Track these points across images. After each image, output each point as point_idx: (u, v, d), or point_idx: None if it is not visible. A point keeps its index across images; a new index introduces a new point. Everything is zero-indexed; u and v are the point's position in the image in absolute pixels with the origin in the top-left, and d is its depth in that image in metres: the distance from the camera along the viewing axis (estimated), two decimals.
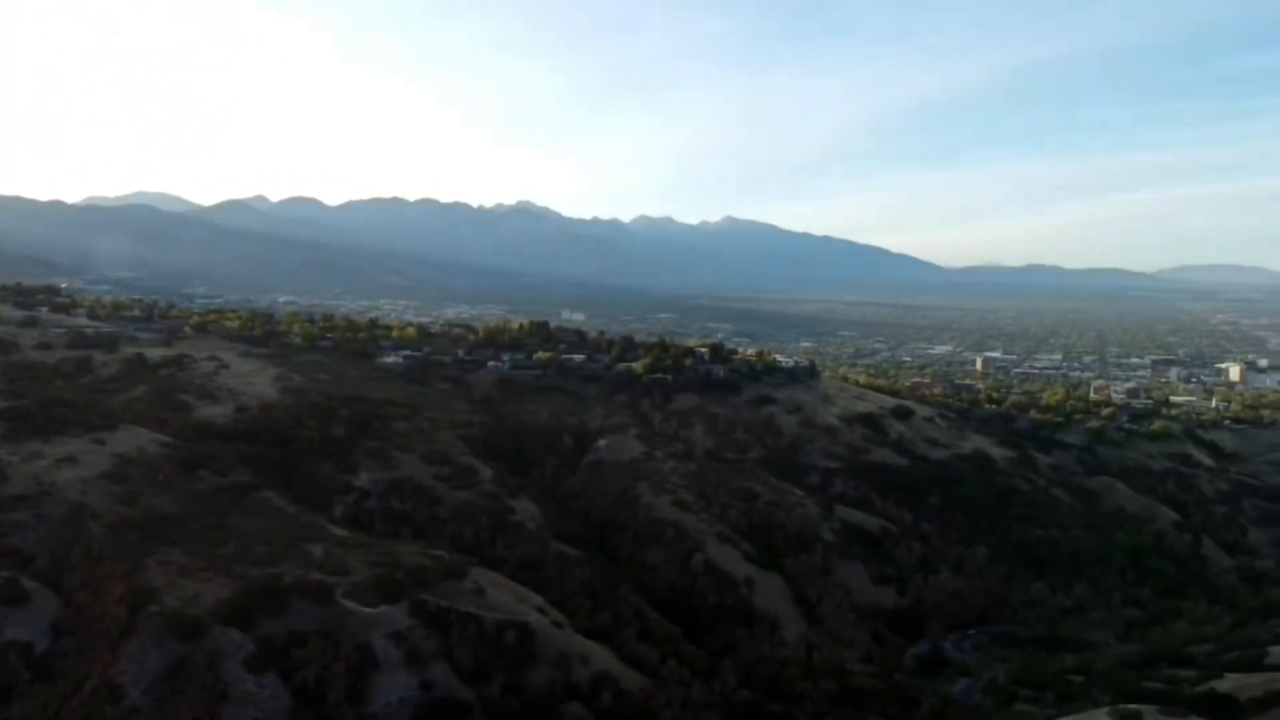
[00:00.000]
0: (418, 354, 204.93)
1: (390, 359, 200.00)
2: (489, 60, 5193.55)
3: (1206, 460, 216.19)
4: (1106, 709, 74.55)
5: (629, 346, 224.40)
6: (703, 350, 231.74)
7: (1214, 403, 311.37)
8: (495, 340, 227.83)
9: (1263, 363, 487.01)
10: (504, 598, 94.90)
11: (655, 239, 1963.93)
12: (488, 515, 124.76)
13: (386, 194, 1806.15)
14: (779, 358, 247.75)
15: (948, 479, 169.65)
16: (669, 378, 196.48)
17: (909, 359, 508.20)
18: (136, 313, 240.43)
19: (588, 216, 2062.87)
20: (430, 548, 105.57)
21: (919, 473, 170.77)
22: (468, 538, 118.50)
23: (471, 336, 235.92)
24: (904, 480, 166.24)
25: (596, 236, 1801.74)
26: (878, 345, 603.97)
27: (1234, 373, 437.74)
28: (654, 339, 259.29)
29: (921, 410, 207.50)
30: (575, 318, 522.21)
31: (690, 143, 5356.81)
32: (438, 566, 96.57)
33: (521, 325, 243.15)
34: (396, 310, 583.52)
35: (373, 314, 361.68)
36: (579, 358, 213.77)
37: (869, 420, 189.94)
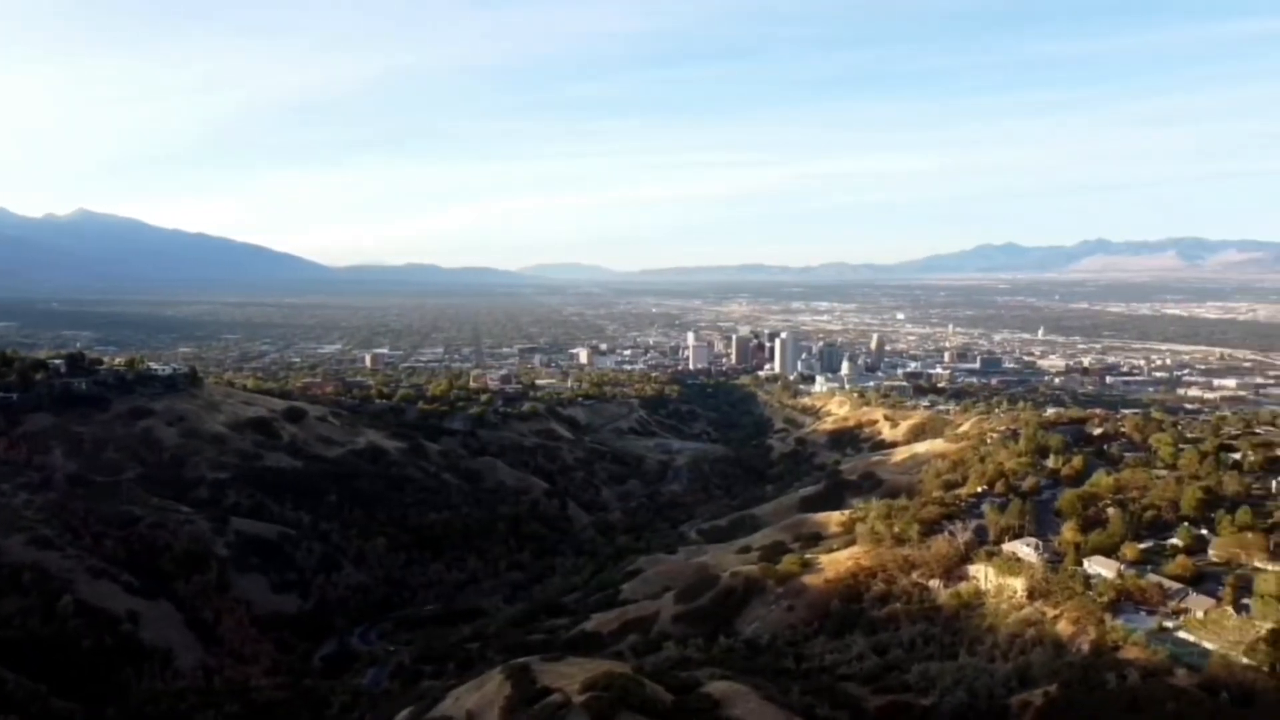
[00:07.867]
0: None
1: None
2: None
3: (567, 433, 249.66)
4: (500, 667, 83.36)
5: None
6: (58, 362, 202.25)
7: (570, 383, 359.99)
8: None
9: (604, 347, 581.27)
10: None
11: None
12: None
13: None
14: (154, 366, 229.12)
15: (344, 475, 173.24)
16: (14, 396, 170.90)
17: (299, 359, 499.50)
18: None
19: None
20: None
21: (315, 472, 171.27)
22: None
23: None
24: (300, 482, 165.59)
25: None
26: (265, 347, 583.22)
27: (583, 356, 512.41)
28: None
29: (314, 410, 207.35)
30: None
31: (27, 122, 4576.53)
32: None
33: None
34: None
35: None
36: None
37: (260, 425, 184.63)
